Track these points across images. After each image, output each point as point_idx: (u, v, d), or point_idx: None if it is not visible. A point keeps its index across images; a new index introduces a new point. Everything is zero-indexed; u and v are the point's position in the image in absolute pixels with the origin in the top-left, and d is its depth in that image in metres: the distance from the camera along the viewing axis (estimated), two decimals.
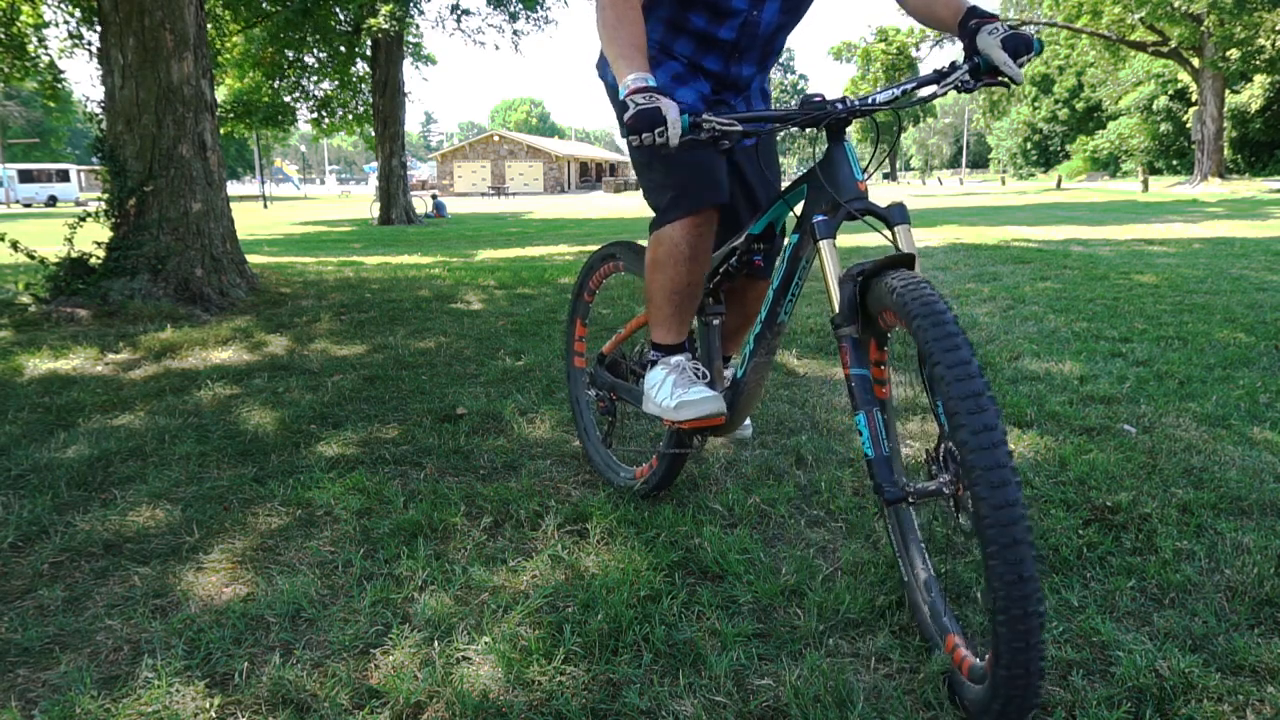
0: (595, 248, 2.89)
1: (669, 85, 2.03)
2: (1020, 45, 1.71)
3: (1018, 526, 1.26)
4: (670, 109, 1.62)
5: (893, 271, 1.56)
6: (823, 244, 1.71)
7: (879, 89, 1.77)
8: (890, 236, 1.68)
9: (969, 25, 1.77)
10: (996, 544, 1.26)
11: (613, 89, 2.11)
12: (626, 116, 1.63)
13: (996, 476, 1.27)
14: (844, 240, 1.76)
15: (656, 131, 1.60)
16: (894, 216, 1.68)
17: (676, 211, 2.00)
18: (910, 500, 1.52)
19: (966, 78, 1.74)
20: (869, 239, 1.98)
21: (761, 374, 2.06)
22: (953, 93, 1.77)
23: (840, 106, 1.71)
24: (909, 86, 1.74)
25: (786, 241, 1.93)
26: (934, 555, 1.98)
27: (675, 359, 2.10)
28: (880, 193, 35.81)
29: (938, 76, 1.76)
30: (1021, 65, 1.72)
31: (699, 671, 1.63)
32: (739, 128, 1.69)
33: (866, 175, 1.75)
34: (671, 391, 2.04)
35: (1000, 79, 1.74)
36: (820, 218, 1.73)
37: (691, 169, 1.98)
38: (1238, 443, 2.75)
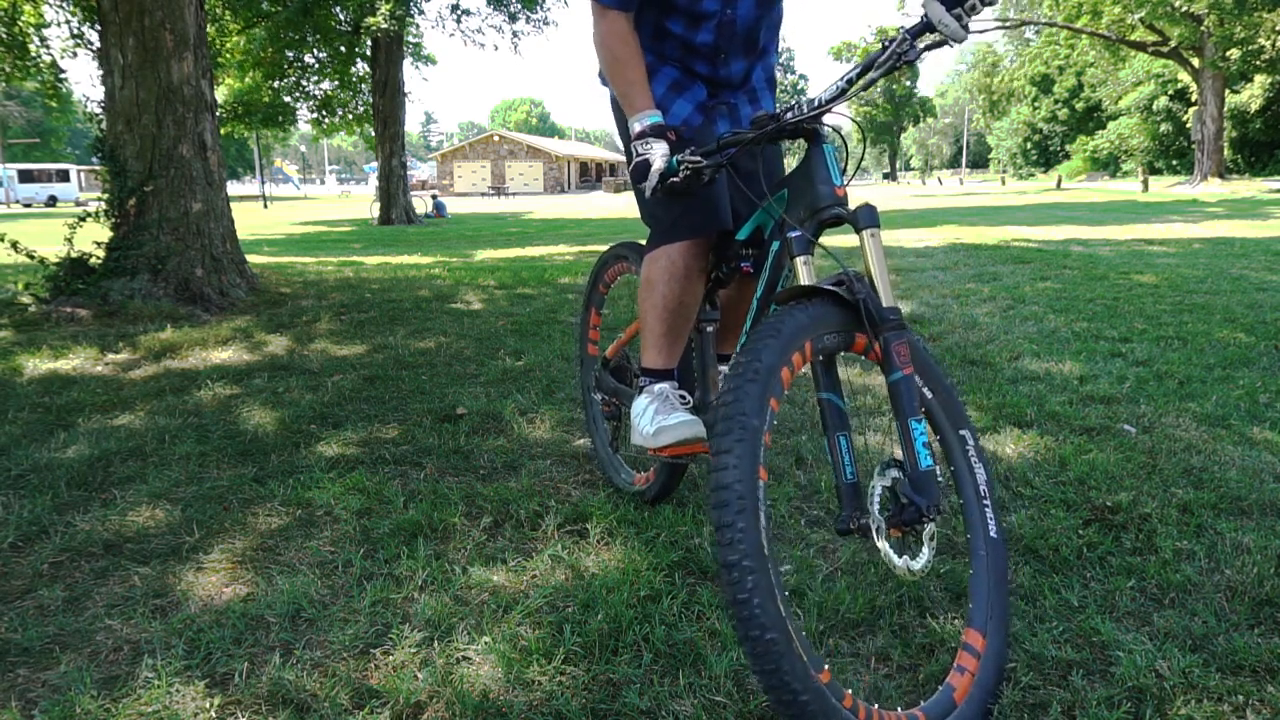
0: (596, 248, 2.88)
1: (667, 95, 2.04)
2: None
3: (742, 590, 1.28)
4: (657, 156, 1.78)
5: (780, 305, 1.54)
6: (798, 260, 1.64)
7: (825, 89, 1.68)
8: (858, 241, 1.62)
9: None
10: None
11: (615, 101, 2.14)
12: (629, 168, 1.82)
13: (723, 535, 1.31)
14: (845, 239, 1.74)
15: (648, 181, 1.77)
16: (861, 220, 1.60)
17: (678, 235, 2.00)
18: (857, 534, 1.48)
19: (905, 48, 1.60)
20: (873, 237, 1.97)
21: None
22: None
23: (789, 116, 1.66)
24: (852, 75, 1.64)
25: (770, 248, 1.88)
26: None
27: (659, 386, 2.08)
28: (881, 193, 35.69)
29: (876, 55, 1.63)
30: (974, 11, 1.58)
31: (699, 671, 1.63)
32: (706, 163, 1.71)
33: (845, 179, 1.71)
34: (652, 419, 2.01)
35: (940, 41, 1.61)
36: (795, 233, 1.67)
37: (692, 195, 1.98)
38: (1238, 443, 2.75)
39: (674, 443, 1.98)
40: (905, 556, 1.47)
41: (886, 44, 1.62)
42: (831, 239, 1.73)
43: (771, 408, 1.40)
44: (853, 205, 1.66)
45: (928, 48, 1.63)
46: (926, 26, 1.62)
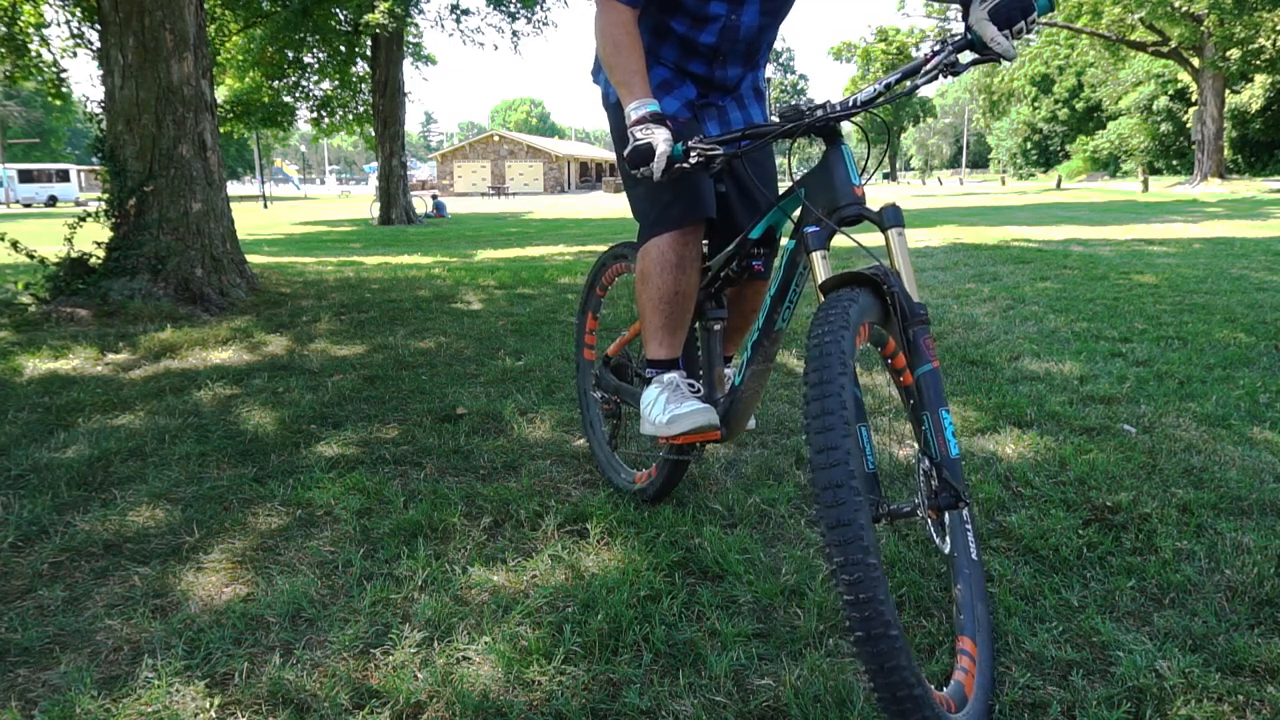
0: (596, 248, 2.89)
1: (655, 93, 2.04)
2: (1014, 11, 1.61)
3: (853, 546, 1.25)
4: (660, 141, 1.73)
5: (826, 295, 1.55)
6: (814, 256, 1.66)
7: (860, 90, 1.70)
8: (883, 240, 1.65)
9: None
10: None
11: (607, 97, 2.15)
12: (626, 151, 1.76)
13: (834, 500, 1.27)
14: (859, 238, 1.74)
15: (653, 164, 1.72)
16: (887, 219, 1.62)
17: (663, 226, 2.02)
18: (887, 520, 1.49)
19: (952, 60, 1.63)
20: (876, 237, 1.97)
21: (759, 381, 2.04)
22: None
23: (819, 113, 1.68)
24: (891, 81, 1.66)
25: (783, 247, 1.91)
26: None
27: (668, 376, 2.09)
28: (880, 193, 35.73)
29: (920, 64, 1.66)
30: (1021, 33, 1.62)
31: (699, 671, 1.63)
32: (720, 151, 1.71)
33: (864, 179, 1.73)
34: (664, 408, 2.03)
35: (989, 56, 1.64)
36: (812, 228, 1.69)
37: (677, 186, 1.98)
38: (1238, 443, 2.75)
39: (688, 430, 1.99)
40: (939, 538, 1.51)
41: (930, 55, 1.65)
42: (841, 240, 1.73)
43: (852, 360, 1.43)
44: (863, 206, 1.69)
45: (973, 63, 1.66)
46: (970, 44, 1.65)
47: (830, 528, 1.26)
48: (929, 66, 1.65)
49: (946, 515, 1.54)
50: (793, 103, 1.74)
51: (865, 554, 1.23)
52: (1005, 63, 1.68)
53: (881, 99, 1.66)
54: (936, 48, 1.67)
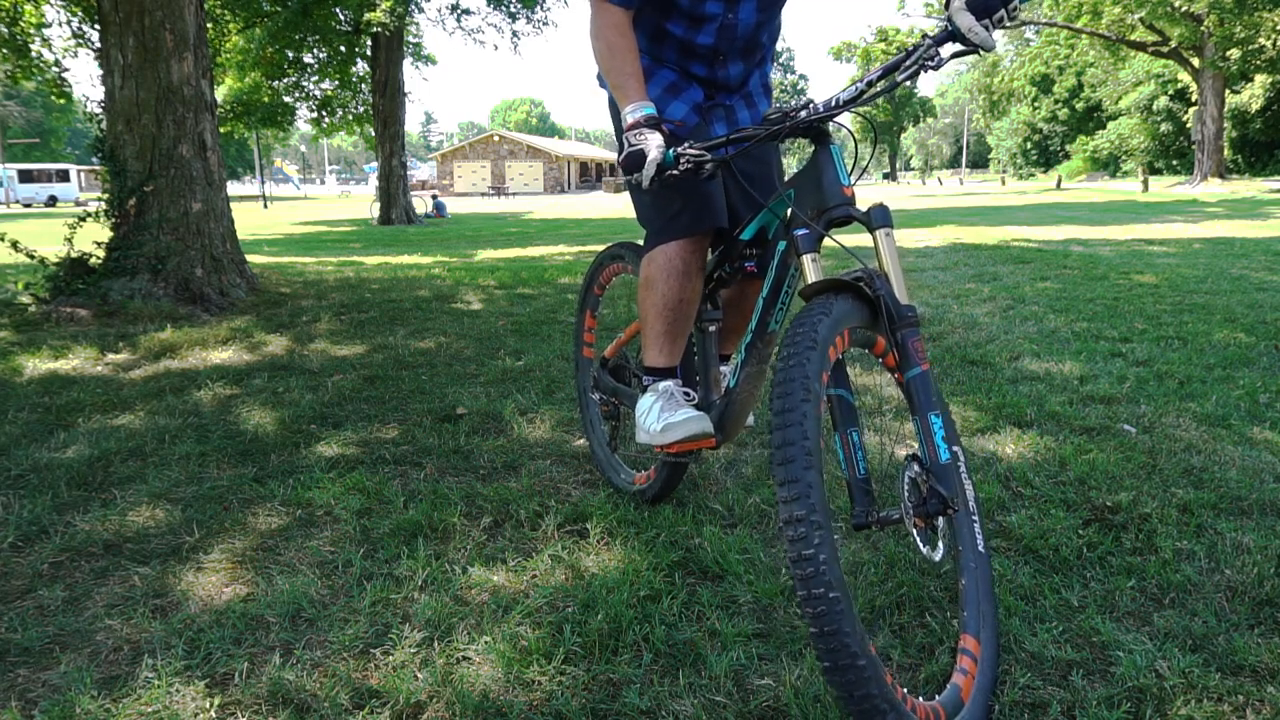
0: (595, 248, 2.88)
1: (662, 98, 2.03)
2: (993, 0, 1.60)
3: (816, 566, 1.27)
4: (652, 147, 1.70)
5: (811, 299, 1.55)
6: (804, 259, 1.65)
7: (842, 89, 1.68)
8: (872, 241, 1.63)
9: None
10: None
11: (613, 102, 2.13)
12: (620, 157, 1.74)
13: (795, 535, 1.28)
14: (848, 239, 1.74)
15: (643, 171, 1.70)
16: (874, 220, 1.61)
17: (672, 233, 2.00)
18: (874, 527, 1.47)
19: (933, 53, 1.62)
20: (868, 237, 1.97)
21: (754, 384, 2.03)
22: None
23: (802, 114, 1.66)
24: (873, 78, 1.65)
25: (775, 248, 1.89)
26: None
27: (664, 385, 2.08)
28: (880, 193, 35.75)
29: (901, 59, 1.65)
30: (1002, 22, 1.61)
31: (699, 671, 1.63)
32: (709, 156, 1.70)
33: (854, 178, 1.71)
34: (658, 416, 2.02)
35: (969, 48, 1.62)
36: (802, 231, 1.67)
37: (686, 193, 1.97)
38: (1238, 443, 2.75)
39: (682, 439, 1.98)
40: (928, 546, 1.50)
41: (911, 50, 1.63)
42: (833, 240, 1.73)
43: (822, 380, 1.42)
44: (858, 206, 1.67)
45: (953, 56, 1.65)
46: (951, 35, 1.63)
47: (793, 562, 1.28)
48: (909, 61, 1.63)
49: (940, 521, 1.52)
50: (779, 104, 1.73)
51: (828, 588, 1.25)
52: (984, 52, 1.65)
53: (864, 97, 1.64)
54: (918, 42, 1.65)
